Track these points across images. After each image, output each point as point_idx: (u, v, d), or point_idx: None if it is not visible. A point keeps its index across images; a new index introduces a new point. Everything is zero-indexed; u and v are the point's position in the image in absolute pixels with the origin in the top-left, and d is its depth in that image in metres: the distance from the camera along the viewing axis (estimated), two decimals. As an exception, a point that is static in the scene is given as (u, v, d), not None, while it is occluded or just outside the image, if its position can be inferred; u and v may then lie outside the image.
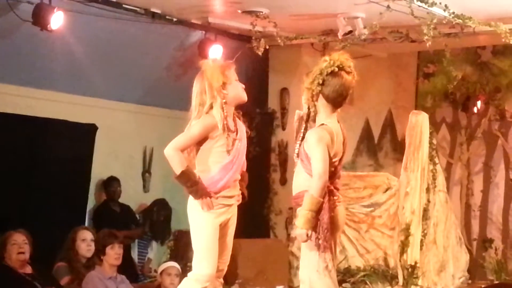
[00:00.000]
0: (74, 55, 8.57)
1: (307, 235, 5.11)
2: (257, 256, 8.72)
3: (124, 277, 7.04)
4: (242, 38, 9.65)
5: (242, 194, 5.48)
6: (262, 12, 8.74)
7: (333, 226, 5.17)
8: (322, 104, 5.22)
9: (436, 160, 9.07)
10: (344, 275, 8.70)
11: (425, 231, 8.64)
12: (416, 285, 8.38)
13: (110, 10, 8.31)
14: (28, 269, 7.04)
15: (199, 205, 5.29)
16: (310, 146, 5.13)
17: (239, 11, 8.76)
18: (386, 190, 8.93)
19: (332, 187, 5.17)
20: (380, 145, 11.29)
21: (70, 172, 8.96)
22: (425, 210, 8.65)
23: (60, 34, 7.97)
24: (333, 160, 5.16)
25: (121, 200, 9.63)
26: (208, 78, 5.34)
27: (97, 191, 9.61)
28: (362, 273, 8.65)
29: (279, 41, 9.18)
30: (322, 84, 5.18)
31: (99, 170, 9.47)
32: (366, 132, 11.15)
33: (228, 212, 5.39)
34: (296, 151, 5.29)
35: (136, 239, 9.71)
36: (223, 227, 5.38)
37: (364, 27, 8.74)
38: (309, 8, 8.71)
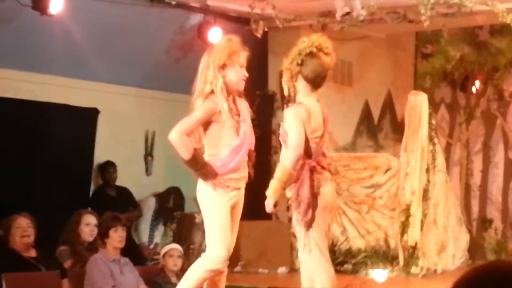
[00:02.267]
0: (74, 39, 8.58)
1: (275, 204, 5.16)
2: (259, 238, 8.78)
3: (127, 260, 7.08)
4: (241, 21, 9.65)
5: (248, 173, 5.51)
6: (260, -6, 8.76)
7: (319, 204, 5.23)
8: (301, 84, 5.32)
9: (436, 140, 9.11)
10: (346, 256, 8.77)
11: (425, 212, 8.68)
12: (417, 265, 8.44)
13: (109, -6, 8.33)
14: (33, 253, 7.10)
15: (210, 189, 5.32)
16: (287, 123, 5.23)
17: (238, -6, 8.77)
18: (386, 171, 8.98)
19: (314, 164, 5.23)
20: (380, 126, 11.33)
21: (72, 156, 9.00)
22: (425, 191, 8.69)
23: (60, 19, 7.98)
24: (311, 136, 5.24)
25: (123, 183, 9.67)
26: (212, 55, 5.37)
27: (96, 175, 9.66)
28: (363, 254, 8.72)
29: (278, 23, 9.19)
30: (301, 65, 5.28)
31: (101, 154, 9.51)
32: (366, 113, 11.18)
33: (237, 195, 5.44)
34: (281, 132, 5.38)
35: (148, 223, 9.76)
36: (232, 209, 5.42)
37: (362, 8, 8.74)
38: (308, -10, 8.73)
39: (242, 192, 5.51)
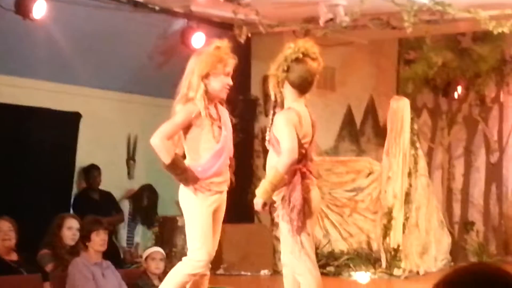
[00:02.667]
0: (57, 43, 8.58)
1: (263, 205, 5.20)
2: (241, 241, 8.80)
3: (109, 263, 7.08)
4: (225, 26, 9.67)
5: (230, 179, 5.54)
6: (244, 0, 8.79)
7: (308, 209, 5.26)
8: (288, 90, 5.34)
9: (418, 145, 9.17)
10: (328, 258, 8.80)
11: (407, 215, 8.73)
12: (399, 267, 8.49)
13: (92, -1, 8.34)
14: (14, 256, 7.08)
15: (192, 194, 5.34)
16: (278, 128, 5.25)
17: (221, -1, 8.80)
18: (369, 174, 9.03)
19: (304, 169, 5.26)
20: (362, 130, 11.38)
21: (54, 160, 8.99)
22: (407, 194, 8.75)
23: (43, 23, 7.98)
24: (302, 141, 5.27)
25: (105, 187, 9.67)
26: (197, 62, 5.39)
27: (79, 179, 9.66)
28: (345, 257, 8.76)
29: (261, 28, 9.23)
30: (287, 71, 5.29)
31: (84, 158, 9.50)
32: (348, 118, 11.23)
33: (219, 199, 5.46)
34: (267, 138, 5.39)
35: (126, 225, 9.76)
36: (214, 213, 5.44)
37: (345, 14, 8.79)
38: (291, -5, 8.77)
39: (224, 195, 5.53)
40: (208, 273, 5.57)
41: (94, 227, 6.95)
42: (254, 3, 8.82)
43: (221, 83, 5.38)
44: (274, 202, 5.36)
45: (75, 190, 9.55)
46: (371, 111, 11.52)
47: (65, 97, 9.27)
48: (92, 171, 9.51)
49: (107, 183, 9.66)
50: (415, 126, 9.16)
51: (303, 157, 5.27)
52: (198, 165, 5.35)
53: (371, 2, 8.34)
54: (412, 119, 9.03)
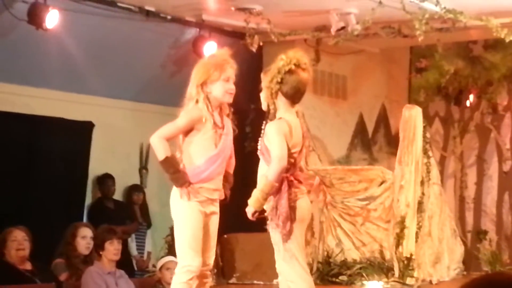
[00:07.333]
0: (69, 53, 8.62)
1: (253, 213, 5.26)
2: (254, 250, 8.78)
3: (123, 272, 7.10)
4: (236, 35, 9.70)
5: (225, 194, 5.56)
6: (255, 9, 8.81)
7: (296, 217, 5.33)
8: (281, 101, 5.43)
9: (430, 153, 9.14)
10: (341, 267, 8.78)
11: (420, 224, 8.70)
12: (412, 277, 8.46)
13: (104, 9, 8.37)
14: (28, 265, 7.11)
15: (182, 197, 5.36)
16: (269, 138, 5.33)
17: (233, 8, 8.81)
18: (381, 183, 9.00)
19: (292, 179, 5.33)
20: (374, 139, 11.36)
21: (67, 169, 9.03)
22: (420, 203, 8.72)
23: (56, 33, 8.02)
24: (292, 151, 5.34)
25: (118, 197, 9.69)
26: (194, 72, 5.46)
27: (94, 188, 9.68)
28: (358, 266, 8.73)
29: (273, 37, 9.24)
30: (281, 83, 5.36)
31: (96, 167, 9.53)
32: (360, 127, 11.22)
33: (211, 207, 5.46)
34: (259, 147, 5.44)
35: (133, 234, 9.78)
36: (206, 222, 5.44)
37: (357, 23, 8.80)
38: (302, 4, 8.78)
39: (217, 206, 5.52)
40: (209, 280, 5.59)
41: (108, 236, 6.97)
42: (266, 12, 8.84)
43: (221, 89, 5.43)
44: (264, 210, 5.43)
45: (89, 199, 9.58)
46: (383, 119, 11.51)
47: (78, 106, 9.31)
48: (106, 180, 9.55)
49: (120, 193, 9.70)
50: (428, 135, 9.14)
51: (291, 166, 5.36)
52: (192, 168, 5.38)
53: (382, 11, 8.35)
54: (424, 127, 9.01)
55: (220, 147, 5.43)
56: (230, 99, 5.49)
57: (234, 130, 5.57)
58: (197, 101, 5.40)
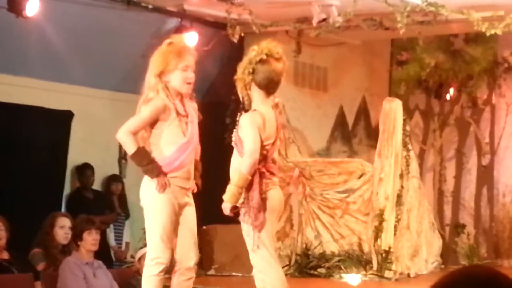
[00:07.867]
0: (50, 41, 8.55)
1: (232, 209, 5.28)
2: (233, 241, 8.76)
3: (101, 262, 7.07)
4: (218, 26, 9.67)
5: (196, 184, 5.53)
6: (237, -1, 8.79)
7: (266, 207, 5.35)
8: (255, 92, 5.42)
9: (410, 146, 9.17)
10: (319, 260, 8.80)
11: (399, 217, 8.73)
12: (390, 270, 8.49)
13: (86, -3, 8.33)
14: (5, 255, 7.06)
15: (154, 187, 5.31)
16: (242, 129, 5.32)
17: (215, -1, 8.79)
18: (360, 176, 9.02)
19: (264, 170, 5.33)
20: (354, 131, 11.38)
21: (46, 158, 8.97)
22: (399, 196, 8.75)
23: (36, 21, 7.96)
24: (265, 143, 5.35)
25: (97, 187, 9.65)
26: (151, 62, 5.41)
27: (73, 178, 9.63)
28: (336, 258, 8.75)
29: (254, 28, 9.21)
30: (253, 73, 5.36)
31: (75, 157, 9.48)
32: (340, 119, 11.23)
33: (184, 197, 5.42)
34: (233, 138, 5.43)
35: (111, 224, 9.74)
36: (180, 214, 5.40)
37: (338, 15, 8.79)
38: (284, -5, 8.77)
39: (190, 197, 5.49)
40: (193, 275, 5.54)
41: (86, 226, 6.94)
42: (248, 2, 8.81)
43: (179, 79, 5.35)
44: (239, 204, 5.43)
45: (67, 189, 9.53)
46: (363, 112, 11.52)
47: (57, 95, 9.25)
48: (85, 170, 9.50)
49: (99, 183, 9.65)
50: (407, 128, 9.16)
51: (263, 158, 5.37)
52: (163, 158, 5.34)
53: (364, 3, 8.35)
54: (404, 120, 9.03)
55: (189, 135, 5.39)
56: (189, 89, 5.41)
57: (198, 116, 5.49)
58: (157, 91, 5.34)
